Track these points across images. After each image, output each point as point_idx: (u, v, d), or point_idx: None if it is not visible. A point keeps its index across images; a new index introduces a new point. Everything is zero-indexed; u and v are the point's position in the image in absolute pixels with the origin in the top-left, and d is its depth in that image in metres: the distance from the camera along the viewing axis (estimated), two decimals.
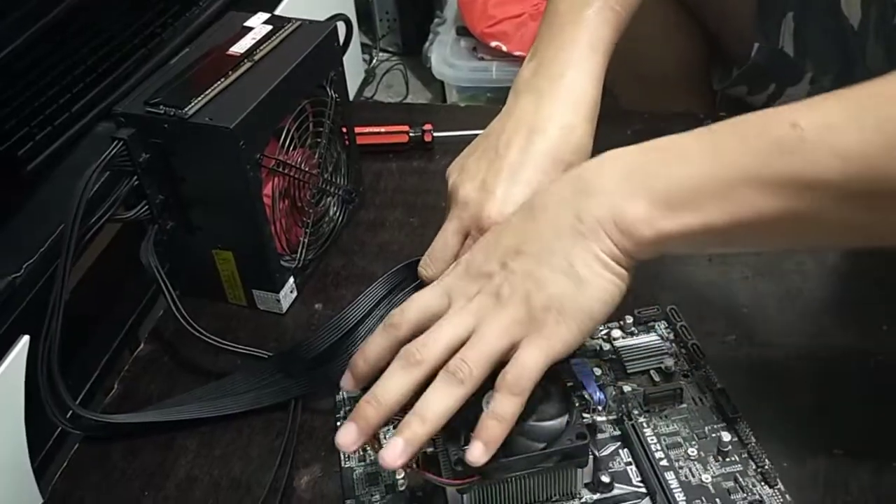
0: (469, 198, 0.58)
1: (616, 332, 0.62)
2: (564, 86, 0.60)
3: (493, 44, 1.59)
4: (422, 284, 0.59)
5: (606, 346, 0.61)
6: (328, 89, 0.70)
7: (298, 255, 0.69)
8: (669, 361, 0.59)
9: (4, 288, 0.62)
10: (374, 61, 1.96)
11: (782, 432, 0.55)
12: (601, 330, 0.62)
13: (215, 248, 0.66)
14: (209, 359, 0.64)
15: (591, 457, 0.52)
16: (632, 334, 0.62)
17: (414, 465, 0.50)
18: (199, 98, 0.60)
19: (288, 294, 0.69)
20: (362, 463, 0.55)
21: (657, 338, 0.62)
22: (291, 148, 0.66)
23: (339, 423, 0.58)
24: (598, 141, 0.61)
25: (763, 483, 0.52)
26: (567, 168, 0.57)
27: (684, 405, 0.57)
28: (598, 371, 0.59)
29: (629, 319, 0.62)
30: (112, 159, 0.59)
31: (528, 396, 0.49)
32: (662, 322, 0.63)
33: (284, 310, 0.69)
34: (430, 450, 0.51)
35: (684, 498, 0.51)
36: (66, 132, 0.77)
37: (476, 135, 0.87)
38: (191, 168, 0.62)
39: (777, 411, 0.57)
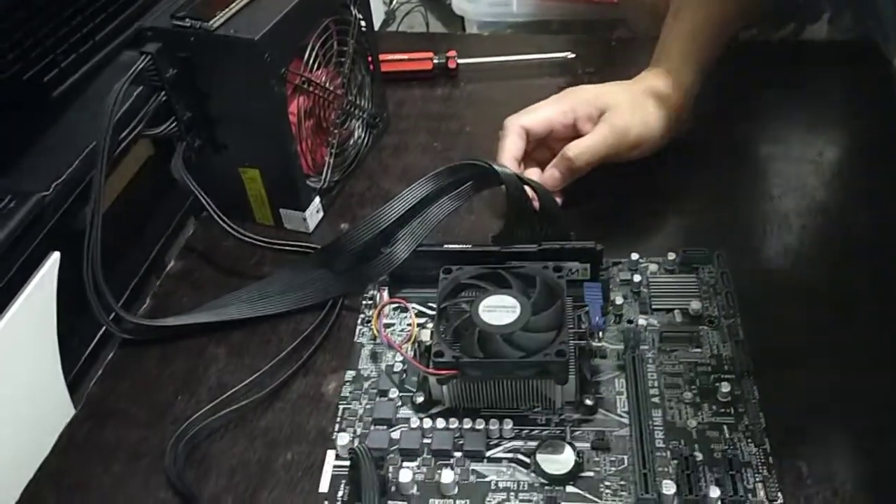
0: None
1: (653, 267, 0.61)
2: None
3: None
4: (470, 186, 0.59)
5: (638, 279, 0.60)
6: (352, 8, 0.69)
7: (324, 175, 0.70)
8: (696, 305, 0.58)
9: (33, 206, 0.62)
10: (395, 3, 1.94)
11: (799, 400, 0.52)
12: (640, 262, 0.61)
13: (242, 166, 0.66)
14: (237, 275, 0.65)
15: (574, 377, 0.52)
16: (671, 272, 0.61)
17: (410, 356, 0.55)
18: (224, 11, 0.60)
19: (314, 214, 0.69)
20: (372, 342, 0.59)
21: (695, 279, 0.60)
22: (316, 66, 0.66)
23: (361, 319, 0.61)
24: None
25: (749, 441, 0.50)
26: None
27: (698, 350, 0.55)
28: (620, 300, 0.58)
29: (671, 256, 0.61)
30: (140, 73, 0.59)
31: (528, 308, 0.51)
32: (708, 266, 0.61)
33: (311, 229, 0.69)
34: (429, 343, 0.54)
35: (662, 437, 0.50)
36: (92, 59, 0.77)
37: (500, 62, 0.87)
38: (217, 83, 0.62)
39: (798, 379, 0.54)
